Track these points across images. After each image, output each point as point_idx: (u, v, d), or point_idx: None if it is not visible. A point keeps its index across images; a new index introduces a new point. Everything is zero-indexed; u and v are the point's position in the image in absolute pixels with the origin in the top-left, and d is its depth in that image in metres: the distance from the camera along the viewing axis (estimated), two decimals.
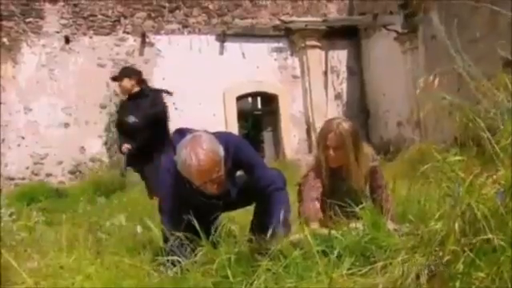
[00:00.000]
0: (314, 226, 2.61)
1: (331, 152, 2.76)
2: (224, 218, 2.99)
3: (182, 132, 2.65)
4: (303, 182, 2.87)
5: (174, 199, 2.64)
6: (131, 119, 4.93)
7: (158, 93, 5.17)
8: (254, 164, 2.76)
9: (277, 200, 2.62)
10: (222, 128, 9.26)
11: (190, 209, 2.45)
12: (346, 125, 2.78)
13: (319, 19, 11.31)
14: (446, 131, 7.82)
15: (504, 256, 1.28)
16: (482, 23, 7.11)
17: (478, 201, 1.43)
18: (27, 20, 10.05)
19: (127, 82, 5.06)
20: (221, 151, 2.51)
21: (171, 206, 2.65)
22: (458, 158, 1.83)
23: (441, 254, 1.50)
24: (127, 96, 5.19)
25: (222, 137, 2.65)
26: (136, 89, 5.07)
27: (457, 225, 1.41)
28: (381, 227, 2.10)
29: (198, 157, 2.40)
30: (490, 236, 1.32)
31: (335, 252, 1.93)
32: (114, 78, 5.29)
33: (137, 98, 5.06)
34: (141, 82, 5.14)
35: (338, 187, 2.81)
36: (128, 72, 5.25)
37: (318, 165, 2.85)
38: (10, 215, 3.55)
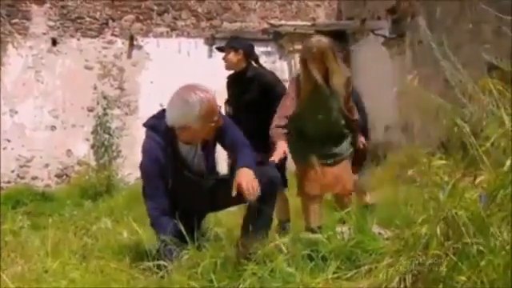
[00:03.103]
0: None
1: (316, 64, 3.20)
2: (210, 221, 2.98)
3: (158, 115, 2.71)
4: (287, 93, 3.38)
5: (159, 183, 2.61)
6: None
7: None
8: (238, 139, 2.79)
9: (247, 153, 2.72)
10: None
11: (175, 190, 2.53)
12: (325, 40, 3.30)
13: (308, 23, 11.34)
14: (433, 135, 7.88)
15: (484, 260, 1.30)
16: (468, 28, 7.18)
17: (461, 205, 1.44)
18: (13, 21, 9.94)
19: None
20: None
21: (156, 190, 2.62)
22: (442, 161, 1.84)
23: (424, 257, 1.51)
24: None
25: None
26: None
27: (440, 229, 1.42)
28: (366, 231, 2.11)
29: (208, 91, 2.62)
30: (470, 241, 1.33)
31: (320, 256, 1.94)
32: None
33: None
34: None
35: (320, 100, 3.30)
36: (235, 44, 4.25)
37: (298, 85, 3.30)
38: None
